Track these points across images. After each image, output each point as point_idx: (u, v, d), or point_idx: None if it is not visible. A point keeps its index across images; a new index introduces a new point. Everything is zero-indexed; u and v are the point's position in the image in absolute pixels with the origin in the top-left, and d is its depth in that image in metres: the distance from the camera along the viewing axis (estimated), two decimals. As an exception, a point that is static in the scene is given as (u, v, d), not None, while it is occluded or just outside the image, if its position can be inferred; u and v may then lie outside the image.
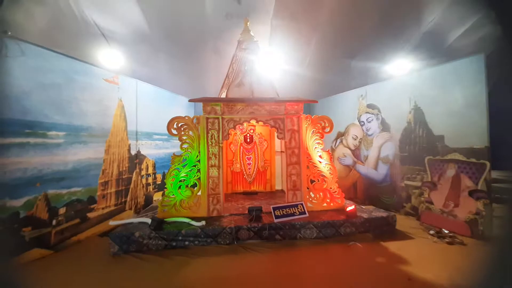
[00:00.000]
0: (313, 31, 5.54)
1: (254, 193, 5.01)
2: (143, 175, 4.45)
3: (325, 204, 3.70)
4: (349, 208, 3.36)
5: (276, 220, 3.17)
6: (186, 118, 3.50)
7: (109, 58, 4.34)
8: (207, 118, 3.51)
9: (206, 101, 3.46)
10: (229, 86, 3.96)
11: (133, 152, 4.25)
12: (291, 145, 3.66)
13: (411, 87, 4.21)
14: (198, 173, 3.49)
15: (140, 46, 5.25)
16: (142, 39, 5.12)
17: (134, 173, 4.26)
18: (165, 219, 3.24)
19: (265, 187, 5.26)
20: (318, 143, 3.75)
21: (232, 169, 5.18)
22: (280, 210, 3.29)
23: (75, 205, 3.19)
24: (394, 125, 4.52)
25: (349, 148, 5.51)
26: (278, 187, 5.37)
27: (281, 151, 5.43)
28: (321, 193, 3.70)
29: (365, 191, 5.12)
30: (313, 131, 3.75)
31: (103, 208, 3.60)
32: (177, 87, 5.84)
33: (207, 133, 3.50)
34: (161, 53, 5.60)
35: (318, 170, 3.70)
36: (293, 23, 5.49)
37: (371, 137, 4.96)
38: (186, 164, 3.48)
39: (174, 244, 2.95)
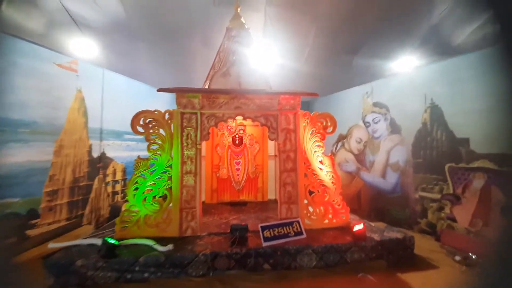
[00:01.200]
0: (312, 21, 4.93)
1: (243, 203, 4.32)
2: (108, 182, 3.72)
3: (326, 221, 3.02)
4: (356, 228, 2.68)
5: (265, 244, 2.48)
6: (156, 112, 2.82)
7: (75, 44, 3.66)
8: (182, 114, 2.83)
9: (180, 91, 2.79)
10: (212, 77, 3.30)
11: (95, 154, 3.53)
12: (286, 148, 3.00)
13: (426, 82, 3.61)
14: (169, 182, 2.79)
15: (116, 35, 4.58)
16: (118, 26, 4.45)
17: (96, 180, 3.54)
18: (121, 241, 2.51)
19: (256, 196, 4.56)
20: (319, 146, 3.09)
21: (218, 175, 4.48)
22: (271, 230, 2.60)
23: (9, 221, 2.46)
24: (405, 126, 3.90)
25: (352, 153, 4.86)
26: (271, 196, 4.68)
27: (275, 155, 4.77)
28: (321, 207, 3.02)
29: (371, 202, 4.46)
30: (312, 131, 3.09)
31: (49, 224, 2.87)
32: (160, 82, 5.17)
33: (182, 131, 2.82)
34: (141, 42, 4.95)
35: (318, 179, 3.03)
36: (290, 11, 4.90)
37: (378, 140, 4.32)
38: (155, 170, 2.78)
39: (129, 276, 2.23)
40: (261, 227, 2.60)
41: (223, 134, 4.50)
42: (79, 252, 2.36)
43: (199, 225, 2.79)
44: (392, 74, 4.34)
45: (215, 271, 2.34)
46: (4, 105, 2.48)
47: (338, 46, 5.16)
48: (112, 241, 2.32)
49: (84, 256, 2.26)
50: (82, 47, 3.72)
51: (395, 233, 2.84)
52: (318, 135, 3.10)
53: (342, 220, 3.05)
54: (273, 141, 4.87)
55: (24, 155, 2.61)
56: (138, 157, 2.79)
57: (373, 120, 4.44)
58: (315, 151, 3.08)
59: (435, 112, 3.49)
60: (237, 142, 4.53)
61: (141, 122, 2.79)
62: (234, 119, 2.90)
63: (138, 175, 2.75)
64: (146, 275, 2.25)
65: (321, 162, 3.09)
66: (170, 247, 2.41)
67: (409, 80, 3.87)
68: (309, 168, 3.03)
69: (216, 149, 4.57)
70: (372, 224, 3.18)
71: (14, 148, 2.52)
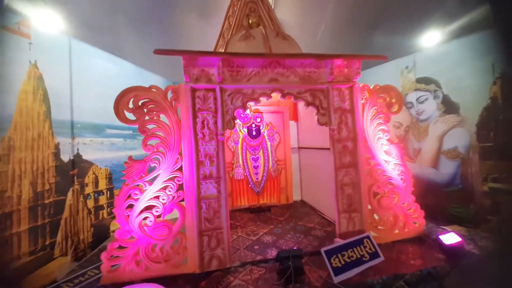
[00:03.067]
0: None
1: (266, 209, 3.46)
2: (88, 195, 2.72)
3: (396, 231, 2.23)
4: (449, 239, 1.91)
5: (337, 279, 1.64)
6: (153, 90, 1.86)
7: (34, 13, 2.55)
8: (194, 90, 1.89)
9: (190, 55, 1.83)
10: (227, 43, 2.36)
11: (65, 157, 2.52)
12: (342, 136, 2.14)
13: (493, 46, 2.85)
14: (180, 193, 1.88)
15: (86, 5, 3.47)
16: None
17: (70, 193, 2.53)
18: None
19: (279, 199, 3.72)
20: (383, 130, 2.27)
21: (231, 175, 3.59)
22: (339, 255, 1.77)
23: None
24: (466, 104, 3.15)
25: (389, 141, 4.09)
26: (296, 197, 3.86)
27: (299, 147, 3.93)
28: (390, 213, 2.22)
29: (419, 198, 3.74)
30: (373, 111, 2.26)
31: (3, 264, 1.87)
32: (150, 63, 4.12)
33: (195, 117, 1.88)
34: (123, 16, 3.85)
35: (385, 176, 2.22)
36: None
37: (426, 124, 3.57)
38: (156, 176, 1.85)
39: None
40: (325, 252, 1.75)
41: (235, 123, 3.58)
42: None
43: (229, 253, 1.91)
44: (442, 42, 3.57)
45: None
46: None
47: (366, 11, 4.31)
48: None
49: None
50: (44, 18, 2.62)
51: (485, 242, 2.10)
52: (381, 115, 2.27)
53: (415, 229, 2.27)
54: (296, 131, 4.09)
55: None
56: (130, 158, 1.84)
57: (417, 99, 3.66)
58: (378, 138, 2.25)
59: (508, 84, 2.76)
60: (253, 133, 3.63)
61: (131, 105, 1.84)
62: (269, 96, 2.00)
63: (131, 185, 1.81)
64: None
65: (386, 152, 2.28)
66: (192, 297, 1.52)
67: (470, 46, 3.10)
68: (373, 161, 2.21)
69: (227, 143, 3.65)
70: (448, 228, 2.44)
71: None
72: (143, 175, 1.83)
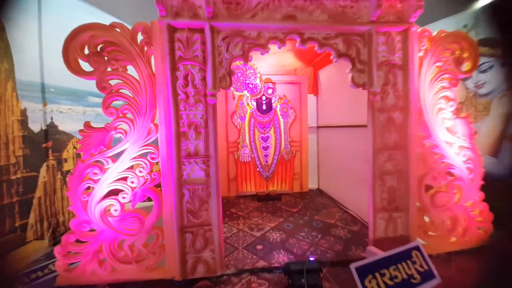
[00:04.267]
0: None
1: (276, 197, 2.95)
2: (68, 172, 2.35)
3: (453, 239, 1.61)
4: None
5: (373, 313, 1.10)
6: (117, 29, 1.31)
7: None
8: (172, 30, 1.31)
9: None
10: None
11: (35, 127, 2.11)
12: (387, 103, 1.49)
13: None
14: (155, 175, 1.38)
15: None
16: None
17: (44, 169, 2.16)
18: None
19: (291, 186, 3.18)
20: (446, 98, 1.57)
21: (236, 156, 3.07)
22: (377, 275, 1.21)
23: None
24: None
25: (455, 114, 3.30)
26: (312, 185, 3.30)
27: (318, 126, 3.28)
28: (448, 216, 1.59)
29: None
30: (435, 69, 1.56)
31: None
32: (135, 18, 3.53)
33: (174, 69, 1.32)
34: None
35: (444, 163, 1.57)
36: None
37: (486, 99, 2.74)
38: (124, 150, 1.35)
39: None
40: (357, 270, 1.19)
41: (241, 95, 2.99)
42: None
43: (220, 257, 1.42)
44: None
45: None
46: None
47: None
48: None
49: None
50: None
51: None
52: (446, 76, 1.56)
53: (478, 236, 1.63)
54: (315, 107, 3.42)
55: None
56: (86, 124, 1.35)
57: (478, 67, 2.80)
58: (440, 109, 1.57)
59: None
60: (264, 107, 3.03)
61: (86, 51, 1.31)
62: (282, 42, 1.37)
63: (88, 162, 1.33)
64: None
65: (448, 130, 1.60)
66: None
67: None
68: (429, 142, 1.55)
69: (232, 119, 3.10)
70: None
71: None
72: (104, 149, 1.34)
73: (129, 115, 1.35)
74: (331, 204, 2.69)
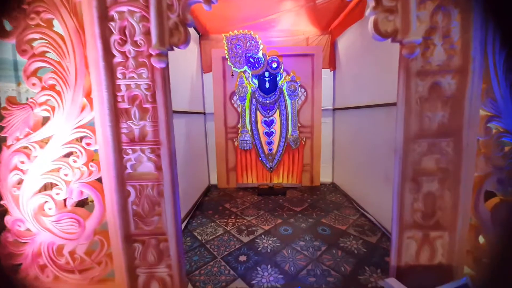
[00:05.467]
0: None
1: (279, 192, 2.54)
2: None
3: (526, 274, 1.05)
4: None
5: None
6: (33, -34, 0.95)
7: None
8: (102, -41, 0.91)
9: None
10: None
11: (6, 108, 1.93)
12: (434, 61, 0.94)
13: None
14: (93, 166, 1.05)
15: None
16: None
17: None
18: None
19: (299, 179, 2.72)
20: (539, 52, 0.96)
21: (236, 143, 2.68)
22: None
23: None
24: None
25: None
26: (325, 178, 2.81)
27: (335, 109, 2.72)
28: (520, 240, 1.04)
29: None
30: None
31: None
32: None
33: (104, 19, 0.93)
34: None
35: (520, 159, 0.99)
36: None
37: None
38: (52, 135, 1.04)
39: None
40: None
41: (243, 72, 2.54)
42: None
43: (179, 273, 1.08)
44: None
45: None
46: None
47: None
48: None
49: None
50: None
51: None
52: (541, 15, 0.94)
53: None
54: (331, 85, 2.76)
55: None
56: (9, 100, 1.04)
57: None
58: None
59: None
60: (267, 86, 2.55)
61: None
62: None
63: (14, 148, 1.05)
64: None
65: (534, 106, 1.00)
66: None
67: None
68: (497, 126, 0.99)
69: (231, 100, 2.68)
70: None
71: None
72: (30, 131, 1.04)
73: (57, 87, 1.01)
74: (346, 204, 2.21)
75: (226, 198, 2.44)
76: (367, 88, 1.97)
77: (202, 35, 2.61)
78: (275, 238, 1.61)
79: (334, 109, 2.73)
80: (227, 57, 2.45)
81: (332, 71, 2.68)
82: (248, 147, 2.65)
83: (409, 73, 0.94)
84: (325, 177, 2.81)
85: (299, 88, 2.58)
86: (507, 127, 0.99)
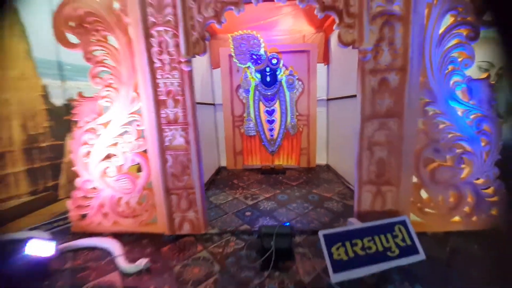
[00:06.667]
0: None
1: (280, 171, 2.95)
2: (88, 142, 2.65)
3: (457, 218, 1.45)
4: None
5: (335, 278, 1.09)
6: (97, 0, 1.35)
7: None
8: (146, -6, 1.29)
9: None
10: None
11: (58, 102, 2.39)
12: (381, 63, 1.30)
13: None
14: (141, 141, 1.48)
15: None
16: None
17: (69, 138, 2.48)
18: (64, 245, 1.43)
19: (297, 161, 3.13)
20: (461, 55, 1.31)
21: (242, 130, 3.09)
22: (347, 244, 1.18)
23: None
24: None
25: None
26: (321, 160, 3.20)
27: (329, 99, 3.07)
28: (449, 192, 1.43)
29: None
30: (448, 20, 1.29)
31: (2, 201, 1.96)
32: None
33: (148, 36, 1.33)
34: None
35: (452, 134, 1.36)
36: None
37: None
38: (111, 119, 1.47)
39: (67, 318, 1.16)
40: (325, 237, 1.18)
41: (246, 68, 2.90)
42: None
43: (203, 217, 1.53)
44: None
45: (229, 320, 1.11)
46: None
47: None
48: (42, 249, 1.23)
49: None
50: None
51: None
52: (463, 27, 1.28)
53: (489, 217, 1.44)
54: (326, 77, 3.17)
55: None
56: (79, 94, 1.48)
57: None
58: (451, 69, 1.32)
59: None
60: (268, 79, 2.91)
61: (72, 23, 1.38)
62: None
63: (84, 128, 1.49)
64: (98, 317, 1.15)
65: (460, 95, 1.36)
66: (140, 265, 1.23)
67: None
68: (432, 109, 1.35)
69: (237, 93, 3.07)
70: None
71: None
72: (96, 117, 1.47)
73: (114, 85, 1.43)
74: (335, 180, 2.60)
75: (234, 176, 2.88)
76: (354, 80, 2.31)
77: (211, 35, 2.97)
78: (273, 202, 2.03)
79: (328, 99, 3.07)
80: (233, 54, 2.82)
81: (326, 65, 3.01)
82: (252, 134, 3.06)
83: (364, 71, 1.30)
84: (320, 159, 3.20)
85: (297, 81, 2.93)
86: (440, 109, 1.35)
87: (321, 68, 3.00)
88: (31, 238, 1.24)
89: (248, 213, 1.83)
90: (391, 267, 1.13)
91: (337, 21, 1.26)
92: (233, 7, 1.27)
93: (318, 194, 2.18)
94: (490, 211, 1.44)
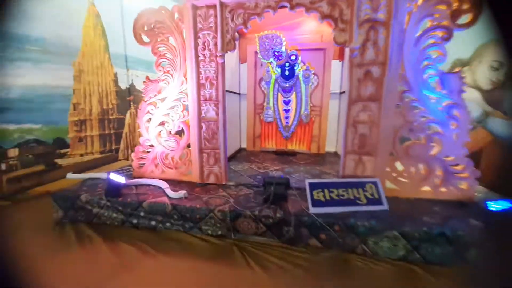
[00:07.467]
0: None
1: (292, 153, 3.39)
2: (141, 118, 3.40)
3: (427, 188, 1.77)
4: (500, 206, 1.37)
5: (313, 210, 1.54)
6: (163, 11, 1.94)
7: None
8: (195, 8, 1.85)
9: (189, -34, 1.74)
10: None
11: (123, 85, 3.14)
12: (365, 59, 1.69)
13: None
14: (185, 112, 2.06)
15: None
16: None
17: (128, 114, 3.23)
18: (132, 180, 2.10)
19: (309, 146, 3.53)
20: (436, 53, 1.63)
21: (261, 117, 3.58)
22: (326, 191, 1.61)
23: (33, 148, 2.36)
24: None
25: (479, 89, 2.95)
26: (330, 148, 3.55)
27: (342, 92, 3.40)
28: (421, 165, 1.76)
29: (502, 169, 2.72)
30: (426, 24, 1.62)
31: (81, 155, 2.75)
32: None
33: (196, 37, 1.89)
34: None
35: (423, 117, 1.69)
36: None
37: None
38: (167, 95, 2.07)
39: (134, 221, 1.79)
40: (310, 184, 1.63)
41: (269, 63, 3.37)
42: (89, 187, 2.06)
43: (225, 172, 2.07)
44: None
45: (237, 234, 1.63)
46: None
47: None
48: (118, 179, 1.88)
49: (90, 191, 1.93)
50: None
51: None
52: (439, 31, 1.60)
53: (459, 191, 1.73)
54: (340, 73, 3.47)
55: (36, 77, 2.32)
56: (147, 78, 2.11)
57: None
58: (426, 64, 1.65)
59: None
60: (286, 73, 3.35)
61: (146, 28, 2.00)
62: (274, 9, 1.72)
63: (148, 102, 2.12)
64: (153, 223, 1.76)
65: (434, 86, 1.67)
66: (181, 194, 1.81)
67: None
68: (408, 96, 1.69)
69: (260, 84, 3.56)
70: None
71: (23, 68, 2.21)
72: (157, 94, 2.09)
73: (171, 71, 2.03)
74: (339, 163, 2.96)
75: (252, 156, 3.39)
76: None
77: (241, 35, 3.50)
78: (280, 172, 2.50)
79: (340, 93, 3.40)
80: (258, 51, 3.31)
81: (340, 62, 3.34)
82: (270, 120, 3.53)
83: (352, 65, 1.70)
84: (330, 147, 3.55)
85: (313, 75, 3.32)
86: (415, 96, 1.69)
87: (336, 64, 3.33)
88: (111, 172, 1.91)
89: (259, 176, 2.33)
90: (357, 211, 1.54)
91: (333, 26, 1.67)
92: (256, 16, 1.76)
93: (320, 170, 2.59)
94: (458, 185, 1.73)
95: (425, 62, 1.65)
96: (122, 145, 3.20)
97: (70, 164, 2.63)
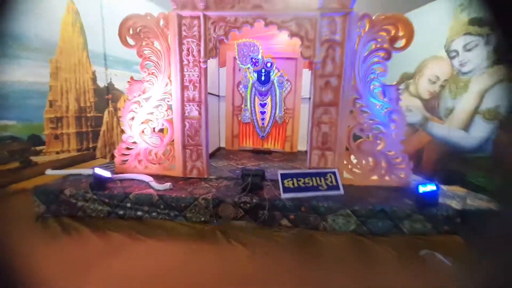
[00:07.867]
0: None
1: (267, 152, 3.69)
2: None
3: (375, 177, 2.19)
4: (425, 188, 1.81)
5: (284, 195, 1.84)
6: (148, 17, 2.10)
7: None
8: (180, 17, 2.04)
9: (176, -20, 1.94)
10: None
11: (101, 84, 3.15)
12: (326, 71, 2.05)
13: None
14: (169, 112, 2.23)
15: None
16: None
17: (106, 112, 3.23)
18: (116, 175, 2.19)
19: (283, 146, 3.87)
20: (379, 69, 2.05)
21: (239, 118, 3.83)
22: (295, 179, 1.92)
23: (8, 144, 2.30)
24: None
25: (420, 98, 3.57)
26: (302, 147, 3.93)
27: (310, 97, 3.80)
28: (370, 159, 2.16)
29: (438, 163, 3.35)
30: (371, 46, 2.03)
31: (57, 153, 2.72)
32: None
33: (181, 43, 2.08)
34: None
35: (371, 120, 2.10)
36: None
37: (467, 77, 2.94)
38: (151, 95, 2.21)
39: (121, 212, 1.90)
40: (281, 174, 1.93)
41: (247, 68, 3.65)
42: (72, 181, 2.11)
43: (206, 166, 2.27)
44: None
45: (219, 220, 1.85)
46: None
47: None
48: (104, 173, 1.97)
49: (74, 185, 1.99)
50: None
51: (484, 203, 1.89)
52: (381, 52, 2.02)
53: (399, 179, 2.17)
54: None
55: (14, 73, 2.28)
56: (131, 78, 2.23)
57: (464, 46, 2.96)
58: (372, 78, 2.06)
59: None
60: (262, 78, 3.66)
61: (131, 32, 2.13)
62: (251, 24, 2.00)
63: (132, 101, 2.24)
64: (139, 213, 1.89)
65: (378, 95, 2.09)
66: (167, 186, 1.97)
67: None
68: (358, 102, 2.08)
69: (238, 88, 3.81)
70: (446, 188, 2.22)
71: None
72: (141, 93, 2.22)
73: (155, 73, 2.18)
74: (308, 159, 3.34)
75: (231, 154, 3.61)
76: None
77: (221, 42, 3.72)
78: (257, 167, 2.77)
79: (309, 98, 3.80)
80: (236, 57, 3.56)
81: (310, 71, 3.74)
82: (247, 121, 3.80)
83: (316, 75, 2.05)
84: (302, 146, 3.93)
85: (286, 81, 3.68)
86: (364, 103, 2.09)
87: (306, 72, 3.73)
88: (96, 167, 2.00)
89: (238, 171, 2.57)
90: (319, 195, 1.87)
91: (300, 43, 2.01)
92: (236, 29, 2.02)
93: (291, 166, 2.92)
94: (398, 174, 2.17)
95: (371, 76, 2.06)
96: (99, 143, 3.20)
97: (45, 162, 2.59)
